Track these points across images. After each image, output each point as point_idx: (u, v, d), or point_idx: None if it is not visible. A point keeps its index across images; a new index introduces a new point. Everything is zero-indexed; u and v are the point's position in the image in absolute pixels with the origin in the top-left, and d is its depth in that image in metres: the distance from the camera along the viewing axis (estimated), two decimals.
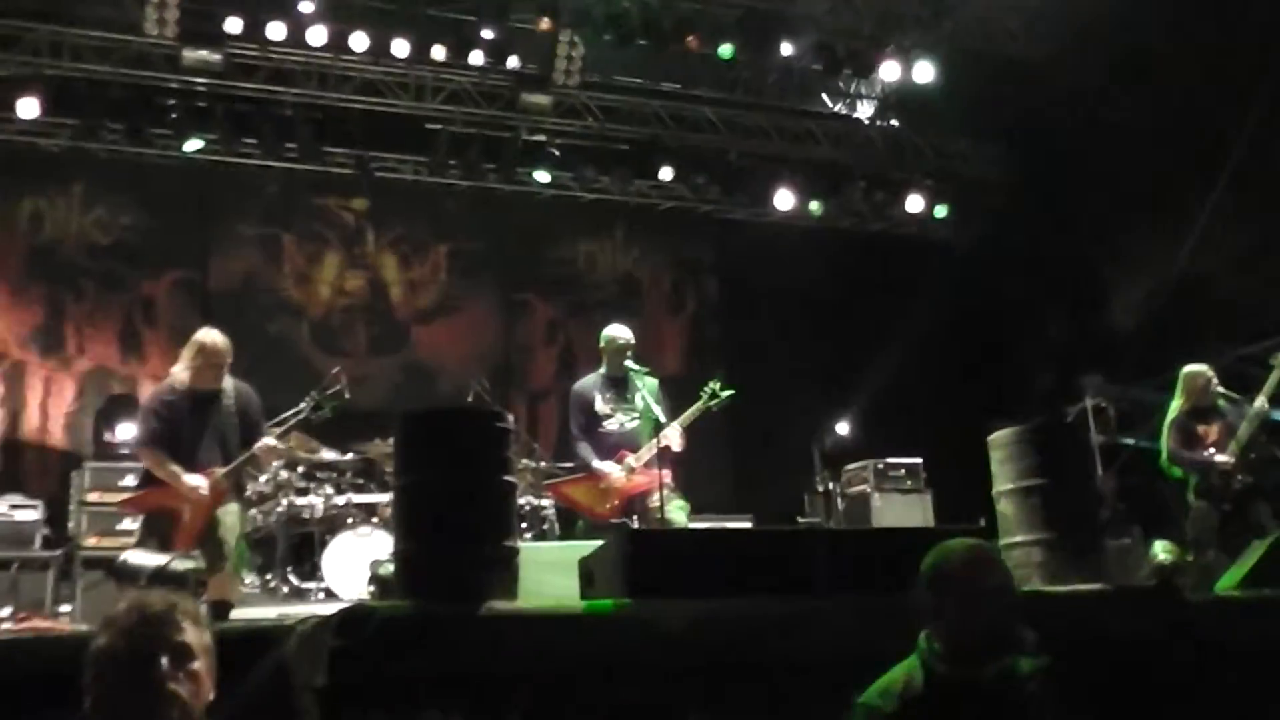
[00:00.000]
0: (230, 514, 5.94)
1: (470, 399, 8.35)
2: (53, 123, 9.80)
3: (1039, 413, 8.45)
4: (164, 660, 2.25)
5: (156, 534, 5.80)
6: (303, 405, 6.32)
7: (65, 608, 7.52)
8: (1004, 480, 5.34)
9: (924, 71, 10.87)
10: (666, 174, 11.27)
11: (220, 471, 5.85)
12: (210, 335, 6.10)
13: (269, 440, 6.06)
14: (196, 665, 2.31)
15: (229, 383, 6.07)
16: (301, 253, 11.09)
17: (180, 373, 6.05)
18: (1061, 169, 10.95)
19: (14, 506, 7.91)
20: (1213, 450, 7.22)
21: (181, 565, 4.03)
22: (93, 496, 8.00)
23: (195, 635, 2.32)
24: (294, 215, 11.07)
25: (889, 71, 11.00)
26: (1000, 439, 5.42)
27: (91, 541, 7.83)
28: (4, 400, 9.91)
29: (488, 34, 9.99)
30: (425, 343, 11.35)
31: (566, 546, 5.95)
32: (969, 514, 5.61)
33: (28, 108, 9.43)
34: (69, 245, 10.32)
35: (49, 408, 10.07)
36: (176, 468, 5.81)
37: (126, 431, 8.53)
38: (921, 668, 2.99)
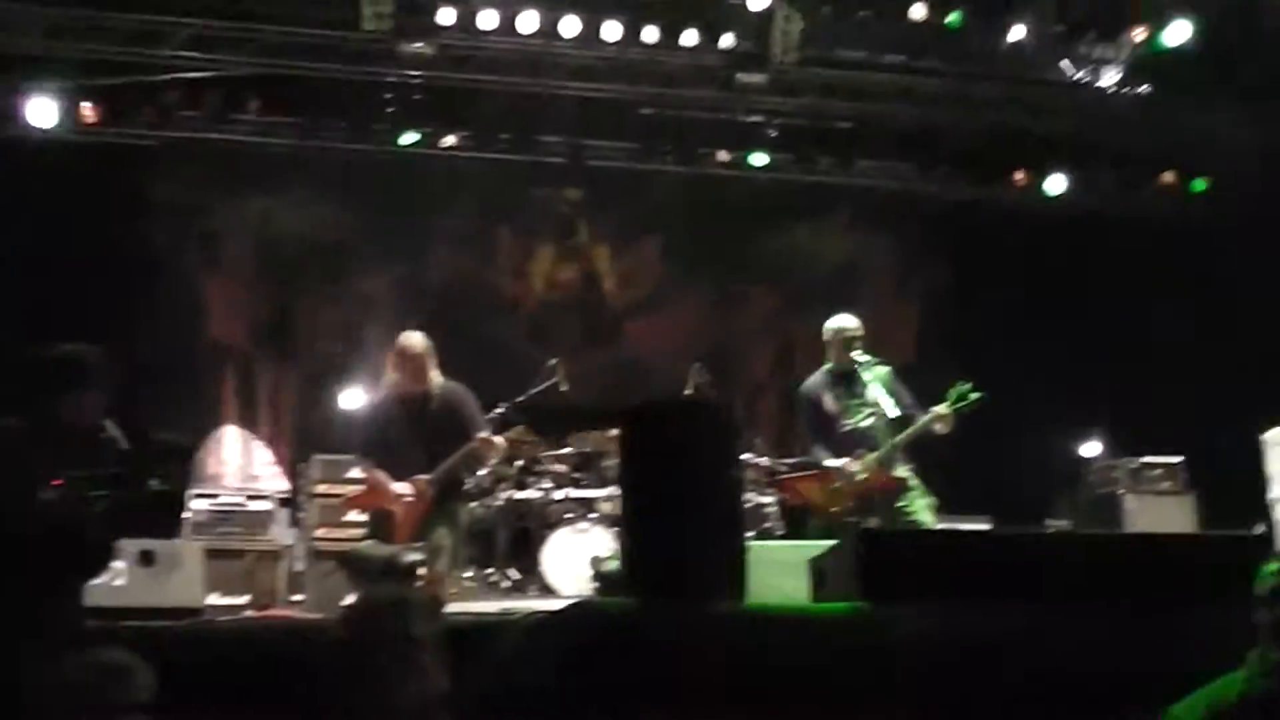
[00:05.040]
0: (449, 515, 6.08)
1: (691, 391, 8.04)
2: (277, 121, 10.03)
3: None
4: (394, 650, 2.38)
5: (378, 530, 6.01)
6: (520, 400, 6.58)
7: (298, 597, 7.73)
8: None
9: (1179, 31, 9.88)
10: (891, 153, 10.76)
11: (425, 479, 5.96)
12: (407, 337, 6.27)
13: (485, 434, 6.07)
14: (424, 656, 2.44)
15: (438, 383, 6.16)
16: (516, 245, 11.09)
17: (388, 378, 6.29)
18: None
19: (250, 497, 8.09)
20: None
21: (408, 558, 4.11)
22: (321, 488, 8.16)
23: (423, 627, 2.48)
24: (508, 207, 11.05)
25: (1139, 33, 10.07)
26: (1278, 436, 4.82)
27: (321, 532, 8.02)
28: (237, 392, 10.23)
29: (700, 12, 9.69)
30: (637, 337, 11.18)
31: (796, 546, 5.79)
32: (1241, 519, 5.08)
33: (255, 108, 9.76)
34: (294, 243, 10.55)
35: (279, 402, 10.36)
36: (384, 476, 6.04)
37: (347, 425, 8.59)
38: (1247, 684, 2.88)
